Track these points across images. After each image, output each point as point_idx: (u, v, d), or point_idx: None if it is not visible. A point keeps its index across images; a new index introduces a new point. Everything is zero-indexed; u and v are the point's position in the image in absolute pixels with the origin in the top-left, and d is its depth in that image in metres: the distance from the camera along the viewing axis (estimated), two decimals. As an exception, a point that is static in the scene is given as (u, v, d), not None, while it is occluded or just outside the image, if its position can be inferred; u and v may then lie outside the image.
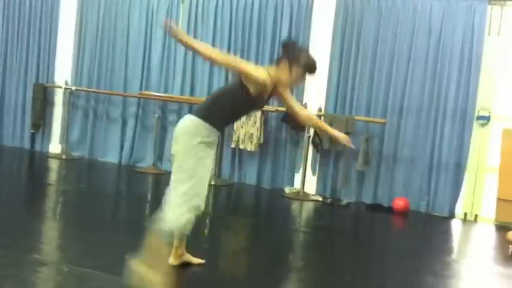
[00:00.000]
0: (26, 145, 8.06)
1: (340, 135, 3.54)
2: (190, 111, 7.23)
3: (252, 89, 3.15)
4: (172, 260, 3.43)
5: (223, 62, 3.23)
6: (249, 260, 4.08)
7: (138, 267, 2.97)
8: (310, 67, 3.35)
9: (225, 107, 3.23)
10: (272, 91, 3.31)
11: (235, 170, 7.12)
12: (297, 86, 3.47)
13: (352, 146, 3.57)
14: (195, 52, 3.19)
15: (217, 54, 3.17)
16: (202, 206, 3.18)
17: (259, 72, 3.17)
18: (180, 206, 3.06)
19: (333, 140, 6.38)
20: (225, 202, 6.21)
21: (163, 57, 7.43)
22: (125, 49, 7.59)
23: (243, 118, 6.70)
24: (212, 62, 3.65)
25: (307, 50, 3.72)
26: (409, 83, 6.33)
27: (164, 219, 3.05)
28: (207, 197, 3.30)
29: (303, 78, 3.43)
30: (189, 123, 3.23)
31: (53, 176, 6.79)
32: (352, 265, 3.14)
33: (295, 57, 3.29)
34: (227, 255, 3.58)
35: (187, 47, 3.15)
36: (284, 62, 3.28)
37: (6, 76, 8.17)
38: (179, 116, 7.31)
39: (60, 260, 3.55)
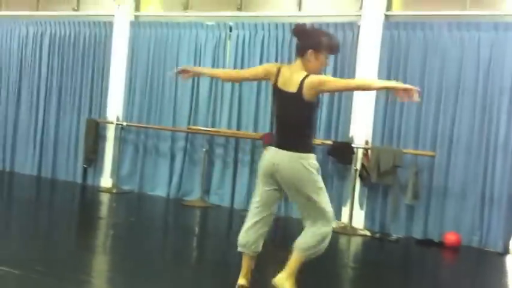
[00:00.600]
0: (78, 179, 8.30)
1: (401, 85, 3.23)
2: (237, 145, 7.39)
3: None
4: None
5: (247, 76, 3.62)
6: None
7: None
8: (335, 47, 3.45)
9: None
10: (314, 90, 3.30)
11: (282, 203, 7.10)
12: (324, 66, 3.45)
13: (417, 98, 3.14)
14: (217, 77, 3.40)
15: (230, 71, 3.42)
16: None
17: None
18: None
19: (381, 174, 6.34)
20: (273, 236, 6.19)
21: (211, 92, 7.57)
22: (174, 84, 7.78)
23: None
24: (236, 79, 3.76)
25: (321, 30, 3.64)
26: (458, 115, 6.22)
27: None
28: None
29: (328, 59, 3.45)
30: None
31: (103, 210, 6.95)
32: None
33: (317, 42, 3.33)
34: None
35: (210, 76, 3.38)
36: (308, 51, 3.32)
37: (60, 112, 8.50)
38: (226, 150, 7.44)
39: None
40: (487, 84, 6.10)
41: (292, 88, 3.26)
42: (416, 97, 3.07)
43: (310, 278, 4.37)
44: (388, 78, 6.53)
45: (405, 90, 3.12)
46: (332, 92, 3.62)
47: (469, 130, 6.17)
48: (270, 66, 3.50)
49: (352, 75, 6.71)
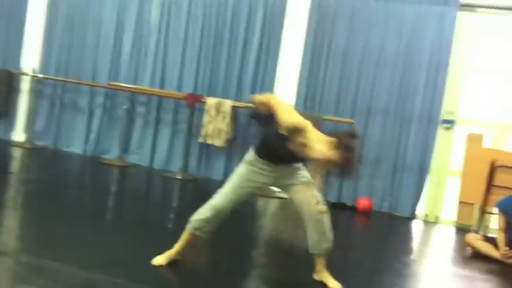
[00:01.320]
0: (-11, 132, 7.88)
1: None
2: (159, 104, 7.26)
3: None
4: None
5: None
6: (214, 256, 4.07)
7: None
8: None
9: None
10: None
11: (202, 165, 7.10)
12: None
13: None
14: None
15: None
16: None
17: None
18: None
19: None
20: (191, 197, 6.20)
21: (133, 47, 7.35)
22: (95, 38, 7.48)
23: (213, 112, 6.71)
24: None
25: None
26: (377, 85, 6.42)
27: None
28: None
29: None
30: None
31: (15, 165, 6.66)
32: (313, 263, 3.20)
33: None
34: (192, 249, 3.57)
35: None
36: None
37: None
38: (148, 108, 7.29)
39: (18, 250, 3.48)
40: (407, 55, 6.33)
41: None
42: None
43: (222, 239, 4.43)
44: (314, 45, 6.63)
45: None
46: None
47: (387, 100, 6.39)
48: None
49: (278, 40, 6.73)
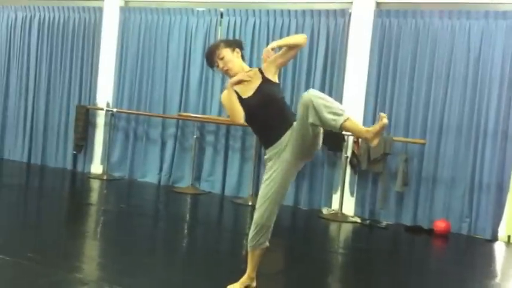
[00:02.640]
0: (69, 166, 8.27)
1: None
2: (227, 132, 7.38)
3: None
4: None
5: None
6: (286, 282, 4.06)
7: None
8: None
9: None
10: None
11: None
12: (224, 73, 3.46)
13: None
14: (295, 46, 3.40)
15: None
16: None
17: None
18: None
19: (371, 161, 6.38)
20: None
21: (201, 78, 7.54)
22: (165, 71, 7.74)
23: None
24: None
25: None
26: (448, 103, 6.25)
27: None
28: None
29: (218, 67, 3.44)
30: None
31: (94, 196, 6.93)
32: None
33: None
34: (264, 277, 3.58)
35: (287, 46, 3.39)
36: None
37: (50, 99, 8.44)
38: (216, 137, 7.43)
39: (100, 279, 3.61)
40: (477, 72, 6.13)
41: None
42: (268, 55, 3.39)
43: (299, 265, 4.40)
44: (379, 66, 6.56)
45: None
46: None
47: (459, 118, 6.21)
48: (226, 94, 3.38)
49: (343, 62, 6.72)
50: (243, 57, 3.53)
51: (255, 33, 7.23)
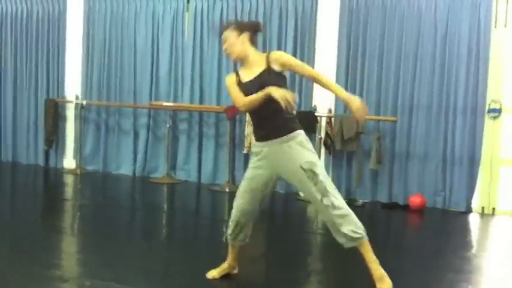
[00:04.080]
0: (41, 162, 8.13)
1: (355, 103, 3.11)
2: (200, 119, 7.33)
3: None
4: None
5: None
6: (267, 264, 4.08)
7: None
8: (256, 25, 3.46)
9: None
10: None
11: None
12: (226, 54, 3.39)
13: (363, 119, 3.33)
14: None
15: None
16: None
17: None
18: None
19: (344, 141, 6.43)
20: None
21: (171, 66, 7.47)
22: (133, 60, 7.64)
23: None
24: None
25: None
26: (417, 80, 6.32)
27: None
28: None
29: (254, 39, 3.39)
30: None
31: (68, 191, 6.84)
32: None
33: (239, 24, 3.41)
34: (245, 260, 3.59)
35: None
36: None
37: (17, 94, 8.27)
38: (190, 125, 7.38)
39: (81, 275, 3.58)
40: (444, 49, 6.21)
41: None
42: (362, 120, 3.20)
43: (279, 247, 4.43)
44: (348, 46, 6.58)
45: (350, 101, 3.14)
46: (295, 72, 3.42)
47: (429, 94, 6.28)
48: (231, 77, 3.35)
49: (312, 44, 6.73)
50: (253, 41, 3.37)
51: (223, 18, 7.17)
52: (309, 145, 3.24)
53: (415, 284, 3.58)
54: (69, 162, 7.95)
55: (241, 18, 7.05)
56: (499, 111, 6.16)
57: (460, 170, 6.20)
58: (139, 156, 7.64)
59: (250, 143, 6.81)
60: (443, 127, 6.25)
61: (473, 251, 4.79)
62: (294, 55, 6.81)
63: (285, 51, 6.82)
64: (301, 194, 3.35)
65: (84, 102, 7.74)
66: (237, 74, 3.32)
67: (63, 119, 7.97)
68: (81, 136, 7.81)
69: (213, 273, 3.44)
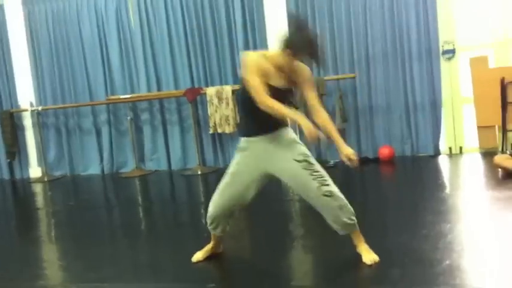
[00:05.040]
0: (5, 175, 7.95)
1: (347, 151, 3.05)
2: (161, 107, 7.23)
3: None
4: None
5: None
6: (250, 238, 4.10)
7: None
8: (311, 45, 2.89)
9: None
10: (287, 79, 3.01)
11: (219, 155, 7.10)
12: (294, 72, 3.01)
13: (356, 164, 3.08)
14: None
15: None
16: None
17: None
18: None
19: (307, 106, 6.43)
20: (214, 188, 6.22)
21: (122, 58, 7.33)
22: (83, 58, 7.47)
23: (215, 101, 6.68)
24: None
25: (300, 26, 3.00)
26: (369, 32, 6.35)
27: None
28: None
29: (298, 59, 2.96)
30: None
31: (39, 200, 6.70)
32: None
33: (285, 36, 2.92)
34: (228, 237, 3.59)
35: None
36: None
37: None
38: (151, 114, 7.29)
39: (65, 281, 3.52)
40: (391, -3, 6.24)
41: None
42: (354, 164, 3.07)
43: (259, 219, 4.45)
44: (297, 7, 6.54)
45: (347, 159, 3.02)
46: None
47: (383, 45, 6.33)
48: (259, 63, 2.96)
49: (260, 11, 6.66)
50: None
51: (167, 2, 7.03)
52: (299, 140, 3.16)
53: (396, 233, 3.64)
54: (34, 171, 7.78)
55: (187, 1, 6.92)
56: (453, 51, 6.25)
57: (424, 115, 6.30)
58: (106, 153, 7.53)
59: (215, 123, 6.78)
60: (401, 75, 6.32)
61: (447, 191, 4.89)
62: (245, 26, 6.77)
63: (235, 24, 6.76)
64: (293, 189, 3.19)
65: (40, 108, 7.56)
66: (265, 64, 2.94)
67: (21, 128, 7.77)
68: (43, 143, 7.64)
69: (197, 256, 3.43)
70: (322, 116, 3.11)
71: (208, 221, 3.31)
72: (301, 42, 2.87)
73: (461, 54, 6.30)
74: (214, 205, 3.23)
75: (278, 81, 3.00)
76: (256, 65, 2.93)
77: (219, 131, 6.80)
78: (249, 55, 3.01)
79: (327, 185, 3.02)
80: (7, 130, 7.57)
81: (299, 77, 3.05)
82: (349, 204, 3.07)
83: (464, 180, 5.54)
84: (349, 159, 3.03)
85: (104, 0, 7.28)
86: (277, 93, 2.96)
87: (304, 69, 3.06)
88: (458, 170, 6.01)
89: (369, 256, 3.06)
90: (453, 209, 4.25)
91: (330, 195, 3.00)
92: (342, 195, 3.06)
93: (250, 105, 2.96)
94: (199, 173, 6.76)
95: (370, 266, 3.01)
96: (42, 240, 4.68)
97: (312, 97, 3.11)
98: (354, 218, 3.07)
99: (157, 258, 3.68)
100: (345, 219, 3.04)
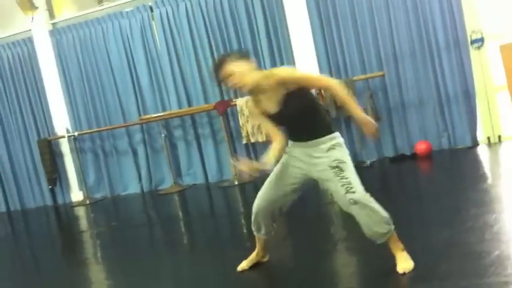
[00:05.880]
0: (48, 201, 8.14)
1: (367, 121, 2.97)
2: (193, 122, 7.29)
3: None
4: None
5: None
6: (293, 244, 4.09)
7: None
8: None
9: None
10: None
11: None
12: (233, 87, 3.14)
13: (375, 132, 3.00)
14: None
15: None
16: None
17: None
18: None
19: (338, 107, 6.40)
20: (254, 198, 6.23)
21: (151, 77, 7.44)
22: (113, 80, 7.62)
23: (246, 112, 6.70)
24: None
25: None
26: (394, 29, 6.30)
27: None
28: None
29: (224, 84, 3.08)
30: None
31: (82, 223, 6.83)
32: (395, 220, 3.10)
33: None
34: (271, 243, 3.59)
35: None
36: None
37: (8, 141, 8.25)
38: (184, 130, 7.37)
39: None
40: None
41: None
42: (376, 135, 3.02)
43: (300, 224, 4.43)
44: (319, 11, 6.54)
45: (365, 124, 2.96)
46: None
47: (409, 39, 6.27)
48: (252, 108, 3.15)
49: (283, 18, 6.69)
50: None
51: (190, 18, 7.13)
52: (343, 147, 3.06)
53: (440, 228, 3.58)
54: (76, 195, 7.95)
55: (208, 12, 7.01)
56: (482, 40, 6.14)
57: (458, 107, 6.19)
58: (143, 172, 7.64)
59: (247, 133, 6.80)
60: (431, 69, 6.23)
61: (489, 181, 4.79)
62: (268, 34, 6.78)
63: (256, 26, 6.77)
64: (331, 196, 3.13)
65: (76, 134, 7.73)
66: (256, 102, 3.08)
67: (60, 154, 7.95)
68: (82, 167, 7.80)
69: (242, 265, 3.44)
70: (337, 92, 2.98)
71: (252, 219, 3.32)
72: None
73: (490, 42, 6.18)
74: (257, 201, 3.26)
75: (271, 107, 3.02)
76: (251, 111, 3.18)
77: (252, 140, 6.82)
78: (247, 102, 3.21)
79: (353, 192, 2.89)
80: (46, 157, 7.76)
81: (285, 85, 2.95)
82: (381, 212, 2.92)
83: (506, 169, 5.41)
84: (365, 126, 2.95)
85: (129, 23, 7.42)
86: (277, 119, 3.04)
87: (280, 77, 2.96)
88: (499, 159, 5.87)
89: (402, 264, 2.91)
90: (497, 199, 4.16)
91: (354, 203, 2.88)
92: (371, 203, 2.91)
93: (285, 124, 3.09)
94: (236, 183, 6.79)
95: (403, 274, 2.86)
96: (89, 262, 4.76)
97: (313, 86, 3.17)
98: (386, 226, 2.92)
99: (202, 272, 3.70)
100: (376, 229, 2.91)
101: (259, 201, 3.25)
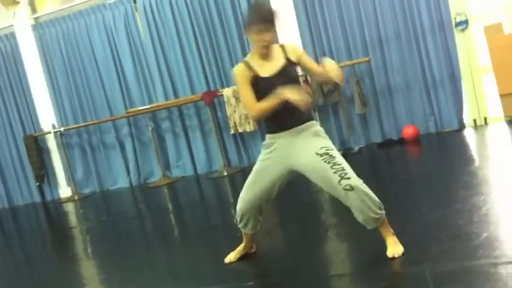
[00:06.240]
0: (37, 198, 8.08)
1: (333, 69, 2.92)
2: (180, 113, 7.27)
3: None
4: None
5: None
6: (284, 231, 4.09)
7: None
8: (251, 16, 3.02)
9: None
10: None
11: (243, 155, 7.11)
12: (263, 43, 2.98)
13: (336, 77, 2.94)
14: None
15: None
16: None
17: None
18: None
19: (325, 94, 6.41)
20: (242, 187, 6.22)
21: (136, 70, 7.38)
22: (98, 74, 7.55)
23: (233, 102, 6.69)
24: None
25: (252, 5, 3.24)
26: (379, 13, 6.29)
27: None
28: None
29: (259, 32, 2.97)
30: None
31: (72, 219, 6.79)
32: (385, 205, 3.10)
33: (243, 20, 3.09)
34: (260, 234, 3.59)
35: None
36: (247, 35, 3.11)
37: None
38: (172, 122, 7.33)
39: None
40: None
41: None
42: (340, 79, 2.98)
43: (290, 212, 4.44)
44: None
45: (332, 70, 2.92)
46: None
47: (394, 23, 6.27)
48: (243, 71, 3.05)
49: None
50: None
51: (174, 8, 7.07)
52: (324, 134, 3.09)
53: (429, 211, 3.60)
54: (64, 191, 7.89)
55: (192, 5, 6.95)
56: (466, 22, 6.15)
57: (444, 90, 6.22)
58: (132, 165, 7.60)
59: (235, 123, 6.78)
60: (417, 52, 6.24)
61: (477, 163, 4.82)
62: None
63: (240, 14, 6.72)
64: (318, 184, 3.10)
65: (62, 129, 7.66)
66: (249, 67, 3.03)
67: (47, 150, 7.88)
68: (69, 162, 7.75)
69: (229, 257, 3.43)
70: (317, 70, 3.07)
71: (238, 219, 3.32)
72: (245, 16, 3.11)
73: (475, 24, 6.20)
74: (241, 202, 3.24)
75: (267, 71, 3.02)
76: (240, 75, 3.03)
77: (240, 130, 6.80)
78: (234, 69, 3.10)
79: (348, 178, 2.88)
80: (33, 154, 7.69)
81: (292, 55, 3.07)
82: (374, 197, 2.92)
83: (493, 150, 5.44)
84: (328, 69, 2.90)
85: (112, 15, 7.34)
86: (270, 82, 2.97)
87: (292, 46, 3.15)
88: (486, 141, 5.91)
89: (392, 249, 2.93)
90: (485, 181, 4.19)
91: (351, 189, 2.87)
92: (366, 188, 2.92)
93: None
94: (225, 174, 6.78)
95: (393, 258, 2.88)
96: (80, 257, 4.74)
97: (314, 66, 3.13)
98: (379, 211, 2.92)
99: (194, 263, 3.70)
100: (370, 214, 2.90)
101: (243, 203, 3.23)
